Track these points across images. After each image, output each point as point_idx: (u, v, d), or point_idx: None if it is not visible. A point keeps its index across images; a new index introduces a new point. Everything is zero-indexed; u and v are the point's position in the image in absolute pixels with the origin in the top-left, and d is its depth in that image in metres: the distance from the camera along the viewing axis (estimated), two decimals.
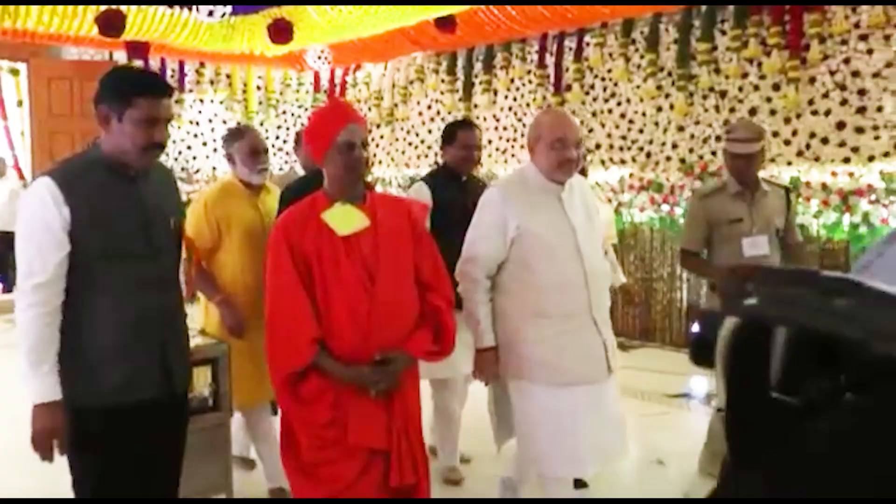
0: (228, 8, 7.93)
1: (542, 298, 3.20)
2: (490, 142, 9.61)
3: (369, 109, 11.29)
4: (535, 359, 3.20)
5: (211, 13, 7.99)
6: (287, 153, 11.79)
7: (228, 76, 11.43)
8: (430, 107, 10.62)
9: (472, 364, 3.38)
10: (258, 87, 11.75)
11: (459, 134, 4.40)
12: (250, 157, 4.06)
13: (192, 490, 3.48)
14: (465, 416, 4.54)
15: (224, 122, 11.30)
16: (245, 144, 4.07)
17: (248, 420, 4.21)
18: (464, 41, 9.19)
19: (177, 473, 2.87)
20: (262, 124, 11.66)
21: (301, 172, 5.14)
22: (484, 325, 3.26)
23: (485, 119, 9.71)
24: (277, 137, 11.93)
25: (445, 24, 8.00)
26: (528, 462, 3.43)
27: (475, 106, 9.94)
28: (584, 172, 4.51)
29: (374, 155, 11.16)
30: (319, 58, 10.46)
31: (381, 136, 11.24)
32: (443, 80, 10.29)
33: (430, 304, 2.94)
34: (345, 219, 2.83)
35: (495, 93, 9.70)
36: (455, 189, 4.34)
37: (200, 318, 4.12)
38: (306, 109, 12.10)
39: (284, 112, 12.01)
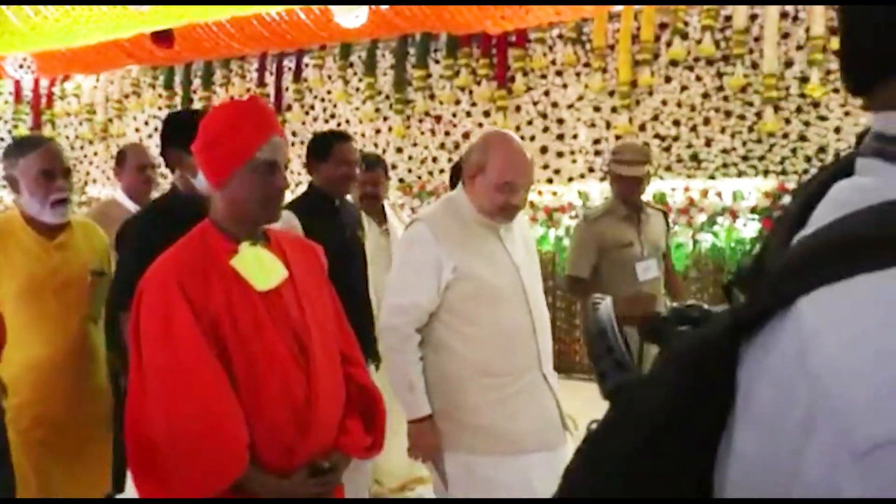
0: None
1: (486, 353, 2.67)
2: None
3: (80, 124, 10.67)
4: (483, 427, 2.67)
5: None
6: None
7: None
8: (147, 122, 10.21)
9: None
10: None
11: (337, 147, 3.48)
12: (40, 183, 2.82)
13: None
14: None
15: None
16: (32, 163, 2.82)
17: None
18: (182, 56, 8.95)
19: None
20: None
21: (125, 201, 3.96)
22: (419, 389, 2.68)
23: None
24: None
25: (162, 38, 7.77)
26: None
27: None
28: None
29: (88, 174, 10.53)
30: (21, 66, 9.72)
31: (96, 154, 10.62)
32: (160, 95, 9.97)
33: (356, 381, 2.22)
34: (261, 267, 2.04)
35: None
36: (329, 217, 3.46)
37: None
38: (6, 122, 11.16)
39: None
